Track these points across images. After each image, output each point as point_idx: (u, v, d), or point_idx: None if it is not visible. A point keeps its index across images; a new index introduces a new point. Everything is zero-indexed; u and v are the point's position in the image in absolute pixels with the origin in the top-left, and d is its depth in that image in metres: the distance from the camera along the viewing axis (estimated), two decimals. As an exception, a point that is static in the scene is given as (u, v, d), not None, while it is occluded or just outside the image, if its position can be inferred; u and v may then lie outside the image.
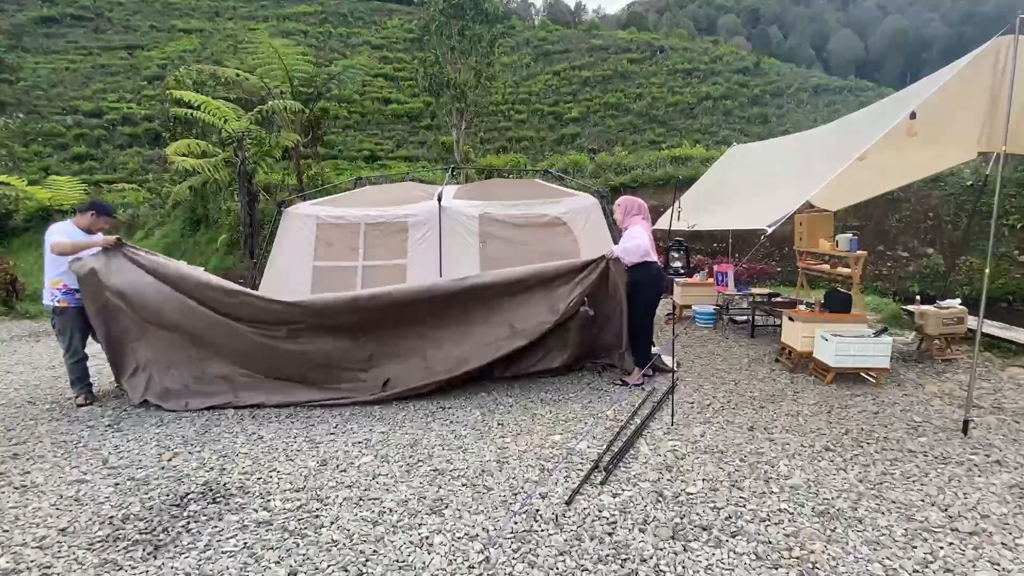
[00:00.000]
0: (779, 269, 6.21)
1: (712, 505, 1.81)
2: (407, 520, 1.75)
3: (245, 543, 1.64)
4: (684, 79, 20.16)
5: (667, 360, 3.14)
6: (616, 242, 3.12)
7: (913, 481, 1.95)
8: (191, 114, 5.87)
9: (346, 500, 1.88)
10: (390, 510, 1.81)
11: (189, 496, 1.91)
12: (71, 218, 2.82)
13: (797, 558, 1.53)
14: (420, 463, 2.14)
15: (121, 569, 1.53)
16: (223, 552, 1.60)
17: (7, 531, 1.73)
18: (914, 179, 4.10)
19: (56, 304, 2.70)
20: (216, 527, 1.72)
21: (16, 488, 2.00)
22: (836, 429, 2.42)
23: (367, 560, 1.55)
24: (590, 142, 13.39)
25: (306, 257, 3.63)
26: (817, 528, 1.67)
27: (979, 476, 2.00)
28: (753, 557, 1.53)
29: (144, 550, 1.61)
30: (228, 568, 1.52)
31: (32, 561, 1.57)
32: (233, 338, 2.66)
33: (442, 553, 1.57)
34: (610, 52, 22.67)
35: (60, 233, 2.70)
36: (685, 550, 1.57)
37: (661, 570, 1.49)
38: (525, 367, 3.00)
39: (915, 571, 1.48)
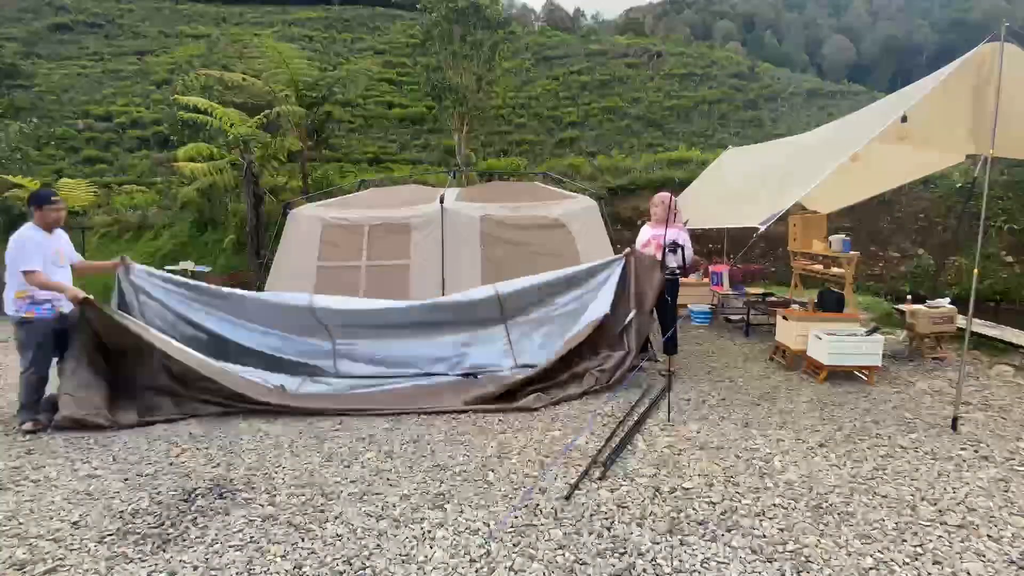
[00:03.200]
0: (773, 269, 6.29)
1: (708, 500, 1.85)
2: (410, 514, 1.79)
3: (251, 537, 1.67)
4: (680, 83, 20.40)
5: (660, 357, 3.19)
6: (614, 243, 3.20)
7: (904, 476, 2.00)
8: (199, 118, 5.95)
9: (350, 495, 1.92)
10: (393, 505, 1.85)
11: (196, 491, 1.95)
12: (31, 220, 2.50)
13: (791, 552, 1.57)
14: (423, 459, 2.18)
15: (131, 562, 1.56)
16: (230, 546, 1.63)
17: (23, 524, 1.77)
18: (905, 181, 4.19)
19: (22, 315, 2.41)
20: (223, 522, 1.76)
21: (32, 482, 2.04)
22: (829, 426, 2.47)
23: (370, 554, 1.58)
24: (589, 146, 13.53)
25: (311, 257, 3.68)
26: (810, 522, 1.71)
27: (967, 471, 2.05)
28: (748, 551, 1.57)
29: (153, 544, 1.65)
30: (235, 561, 1.56)
31: (47, 553, 1.61)
32: None
33: (444, 547, 1.61)
34: (608, 57, 22.96)
35: (33, 253, 2.38)
36: (682, 544, 1.61)
37: (658, 564, 1.52)
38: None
39: (905, 563, 1.52)
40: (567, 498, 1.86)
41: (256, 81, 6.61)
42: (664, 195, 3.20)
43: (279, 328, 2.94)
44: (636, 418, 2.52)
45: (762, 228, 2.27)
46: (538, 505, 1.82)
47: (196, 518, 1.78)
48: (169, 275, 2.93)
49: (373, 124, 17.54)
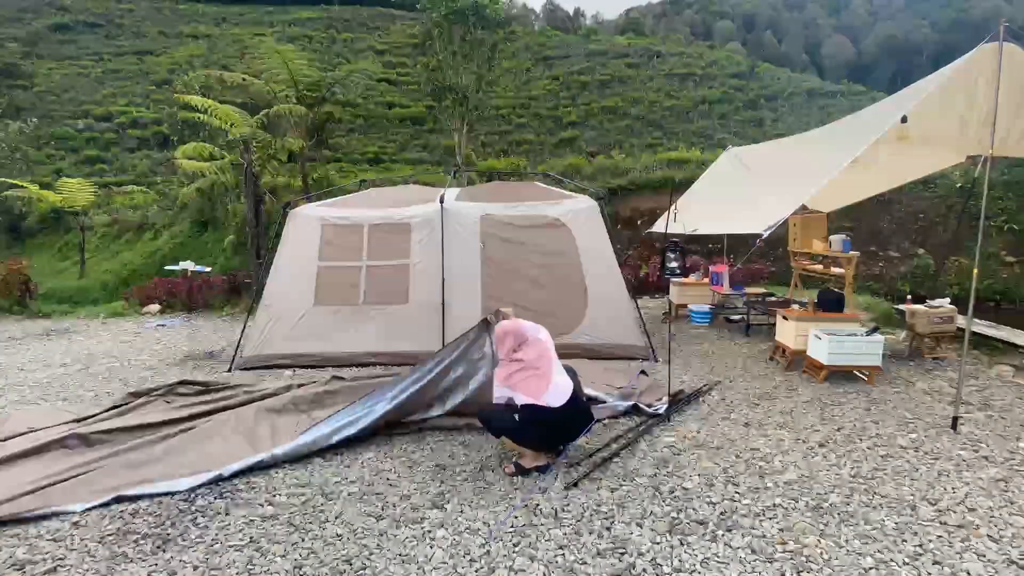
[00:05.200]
0: (773, 269, 6.30)
1: (708, 500, 1.85)
2: (410, 514, 1.79)
3: (251, 537, 1.68)
4: (681, 83, 20.42)
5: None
6: (615, 242, 3.16)
7: (904, 476, 2.00)
8: (198, 118, 5.96)
9: (350, 495, 1.92)
10: (393, 505, 1.85)
11: (196, 491, 1.95)
12: None
13: (791, 552, 1.57)
14: (422, 459, 2.18)
15: (131, 562, 1.56)
16: (230, 546, 1.64)
17: (23, 524, 1.76)
18: (905, 181, 4.19)
19: None
20: (223, 522, 1.76)
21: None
22: (829, 426, 2.47)
23: (370, 554, 1.59)
24: (589, 146, 13.58)
25: (311, 257, 3.67)
26: (810, 522, 1.71)
27: (967, 471, 2.05)
28: (748, 551, 1.57)
29: (153, 543, 1.65)
30: (235, 561, 1.56)
31: (47, 553, 1.61)
32: None
33: (444, 547, 1.61)
34: (608, 57, 22.98)
35: None
36: (682, 544, 1.61)
37: (658, 564, 1.52)
38: None
39: (905, 563, 1.52)
40: (566, 496, 1.86)
41: (256, 81, 6.62)
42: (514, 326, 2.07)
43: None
44: (639, 419, 2.52)
45: (765, 234, 2.28)
46: (538, 505, 1.82)
47: (196, 518, 1.79)
48: None
49: (373, 124, 17.54)
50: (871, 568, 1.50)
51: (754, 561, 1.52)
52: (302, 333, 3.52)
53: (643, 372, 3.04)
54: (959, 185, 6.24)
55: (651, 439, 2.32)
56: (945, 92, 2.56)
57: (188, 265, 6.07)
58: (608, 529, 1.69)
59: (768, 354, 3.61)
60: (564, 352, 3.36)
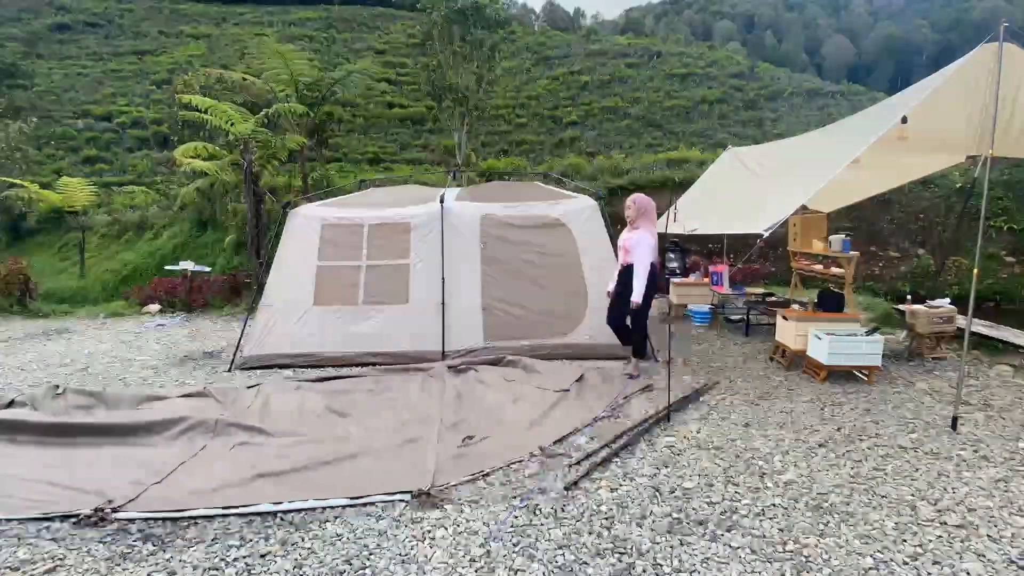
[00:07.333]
0: (773, 269, 6.30)
1: (708, 500, 1.85)
2: (409, 514, 1.79)
3: (251, 537, 1.67)
4: (681, 83, 20.44)
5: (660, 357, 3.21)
6: (615, 242, 3.22)
7: (904, 476, 2.00)
8: (199, 118, 5.96)
9: (350, 495, 1.92)
10: (393, 505, 1.85)
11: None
12: None
13: (791, 552, 1.57)
14: (422, 459, 2.18)
15: (131, 562, 1.57)
16: (229, 545, 1.64)
17: (23, 524, 1.76)
18: (905, 181, 4.19)
19: None
20: (222, 521, 1.76)
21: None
22: (829, 426, 2.47)
23: (371, 554, 1.59)
24: (589, 146, 13.60)
25: (311, 257, 3.67)
26: (810, 522, 1.72)
27: (967, 471, 2.05)
28: (748, 551, 1.57)
29: (152, 544, 1.65)
30: (235, 562, 1.56)
31: (47, 553, 1.61)
32: None
33: (444, 547, 1.61)
34: (608, 57, 23.00)
35: None
36: (682, 544, 1.61)
37: (658, 563, 1.52)
38: None
39: (905, 563, 1.52)
40: (567, 495, 1.86)
41: (256, 81, 6.62)
42: (640, 197, 3.08)
43: None
44: (640, 418, 2.52)
45: (765, 234, 2.28)
46: (538, 505, 1.83)
47: (196, 517, 1.79)
48: None
49: (373, 124, 17.53)
50: (871, 568, 1.50)
51: (754, 561, 1.53)
52: (302, 333, 3.52)
53: (631, 376, 3.00)
54: (959, 185, 6.24)
55: (651, 439, 2.32)
56: (945, 92, 2.56)
57: (188, 265, 6.06)
58: (608, 529, 1.69)
59: (768, 354, 3.61)
60: (564, 352, 3.44)
